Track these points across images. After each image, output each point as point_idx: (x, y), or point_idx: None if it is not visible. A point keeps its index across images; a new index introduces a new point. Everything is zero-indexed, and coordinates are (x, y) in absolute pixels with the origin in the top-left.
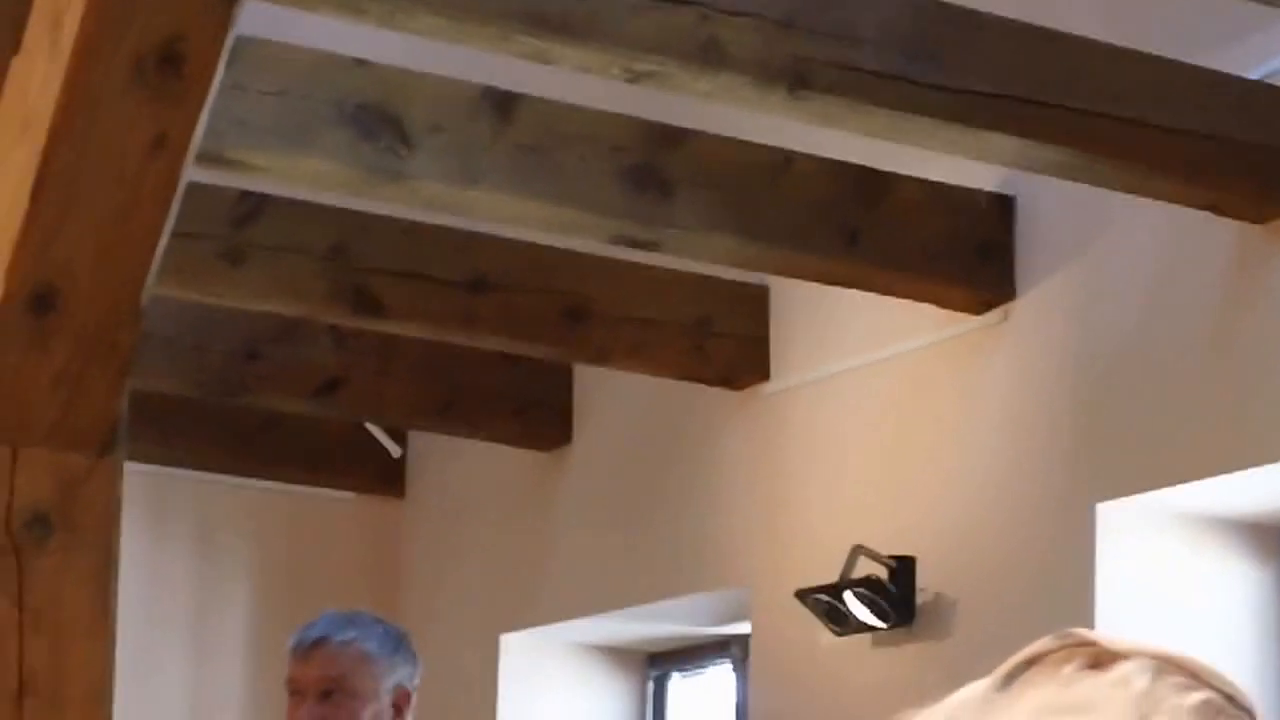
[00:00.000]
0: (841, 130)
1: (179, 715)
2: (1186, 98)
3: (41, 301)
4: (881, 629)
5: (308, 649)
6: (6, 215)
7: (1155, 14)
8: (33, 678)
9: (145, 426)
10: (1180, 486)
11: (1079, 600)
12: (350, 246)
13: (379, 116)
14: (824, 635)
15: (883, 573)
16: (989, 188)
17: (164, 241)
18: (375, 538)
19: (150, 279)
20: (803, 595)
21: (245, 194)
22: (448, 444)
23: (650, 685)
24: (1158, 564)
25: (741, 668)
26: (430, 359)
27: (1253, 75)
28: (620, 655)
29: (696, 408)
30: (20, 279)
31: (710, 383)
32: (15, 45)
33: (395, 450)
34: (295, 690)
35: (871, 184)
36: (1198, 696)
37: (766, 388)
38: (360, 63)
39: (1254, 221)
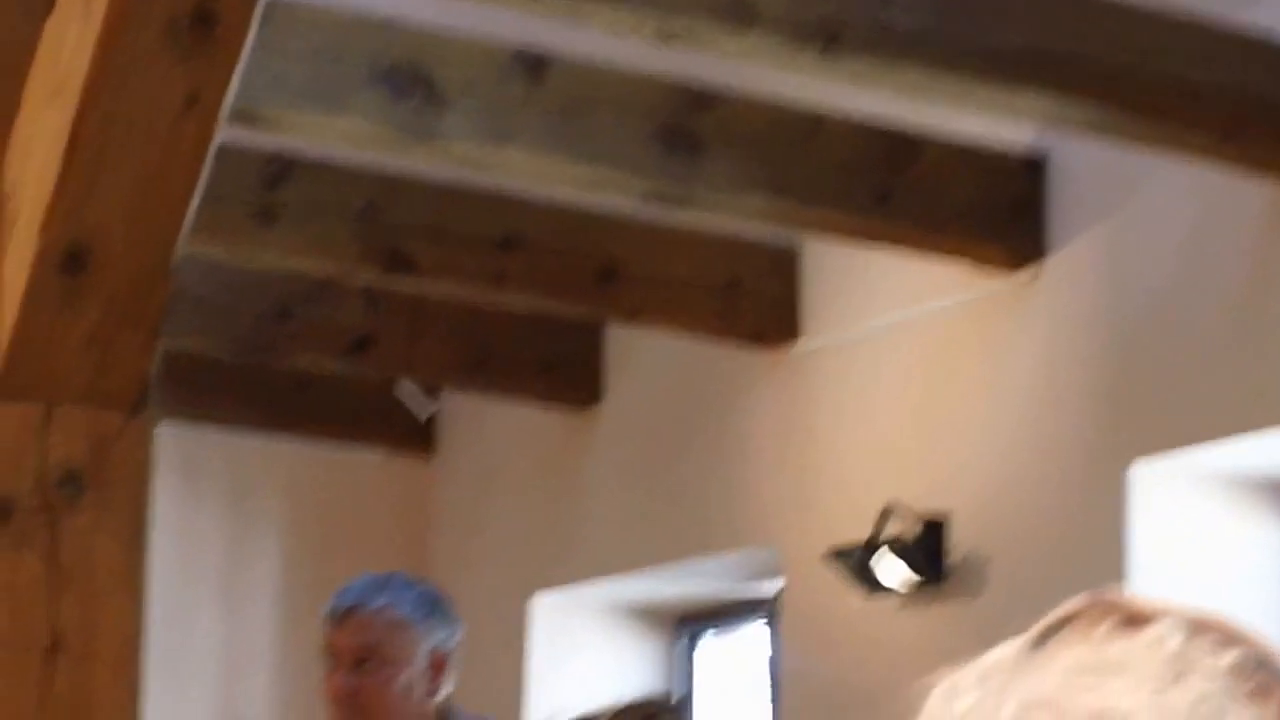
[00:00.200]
0: (873, 90)
1: (210, 673)
2: (1219, 56)
3: (74, 262)
4: (913, 588)
5: (341, 617)
6: (39, 176)
7: None
8: (64, 635)
9: (177, 386)
10: (1213, 445)
11: (1111, 559)
12: (381, 206)
13: (411, 77)
14: (855, 595)
15: (914, 532)
16: (1020, 147)
17: (195, 202)
18: (405, 497)
19: (182, 239)
20: (834, 554)
21: (277, 154)
22: (478, 403)
23: (681, 645)
24: (1190, 523)
25: (773, 627)
26: (461, 318)
27: None
28: (651, 615)
29: (727, 367)
30: (53, 239)
31: (741, 342)
32: (48, 7)
33: (426, 410)
34: (330, 657)
35: (903, 143)
36: (1231, 656)
37: (797, 347)
38: (392, 23)
39: None
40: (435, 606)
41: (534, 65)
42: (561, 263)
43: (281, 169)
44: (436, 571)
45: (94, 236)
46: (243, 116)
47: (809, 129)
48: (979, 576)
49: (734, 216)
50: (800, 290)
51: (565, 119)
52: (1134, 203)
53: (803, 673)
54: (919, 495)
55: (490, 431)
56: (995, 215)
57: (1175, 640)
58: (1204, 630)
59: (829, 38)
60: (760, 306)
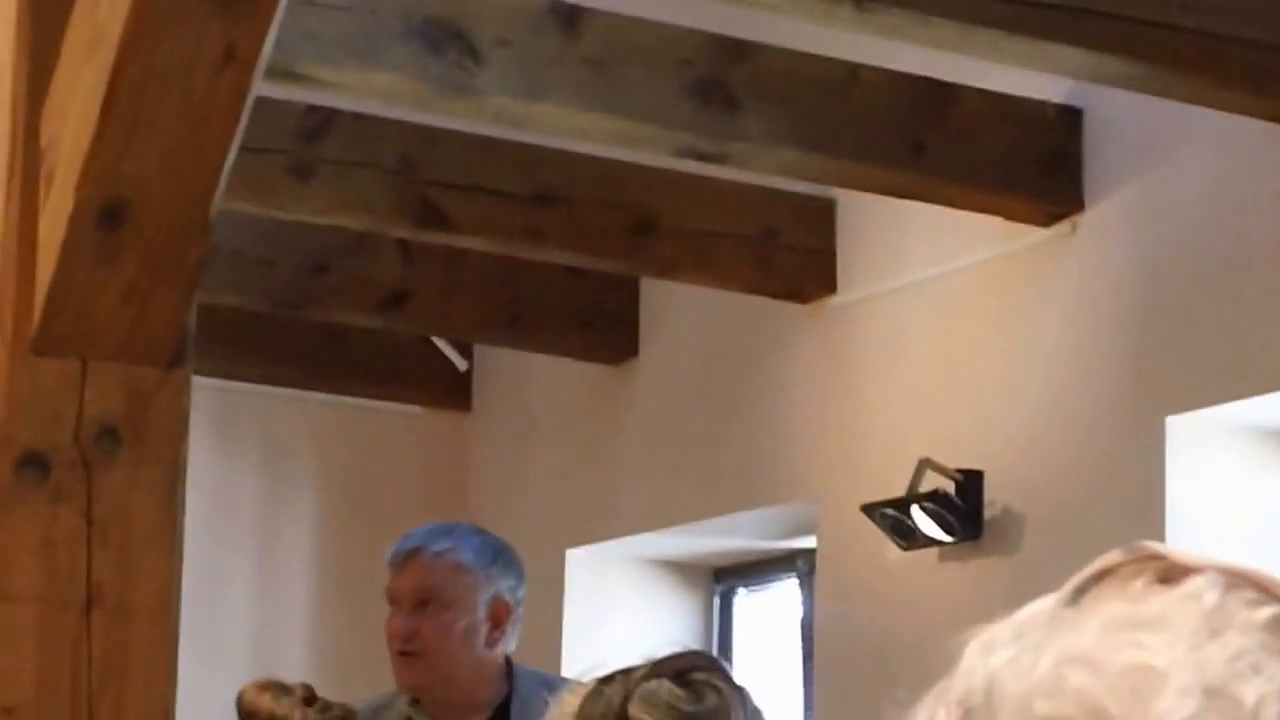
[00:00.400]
0: (908, 42)
1: (245, 627)
2: (1255, 9)
3: (110, 216)
4: (948, 543)
5: (403, 559)
6: (76, 131)
7: None
8: (100, 590)
9: (213, 340)
10: (1250, 400)
11: (1148, 514)
12: (417, 160)
13: (446, 31)
14: (890, 550)
15: (950, 486)
16: (1056, 99)
17: (232, 156)
18: (441, 452)
19: (218, 193)
20: (869, 509)
21: (313, 108)
22: (514, 357)
23: (716, 600)
24: (1226, 477)
25: (808, 582)
26: (497, 273)
27: None
28: (686, 570)
29: (763, 321)
30: (89, 194)
31: (777, 296)
32: None
33: (461, 364)
34: (391, 601)
35: (938, 96)
36: (1269, 611)
37: (833, 300)
38: None
39: None
40: (499, 556)
41: (569, 19)
42: (597, 217)
43: (318, 124)
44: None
45: (131, 191)
46: (279, 72)
47: (844, 82)
48: (1015, 531)
49: (769, 171)
50: (836, 243)
51: (600, 73)
52: (1171, 156)
53: (838, 627)
54: (955, 449)
55: (526, 386)
56: (1031, 168)
57: (1212, 595)
58: (1241, 584)
59: None
60: (796, 260)
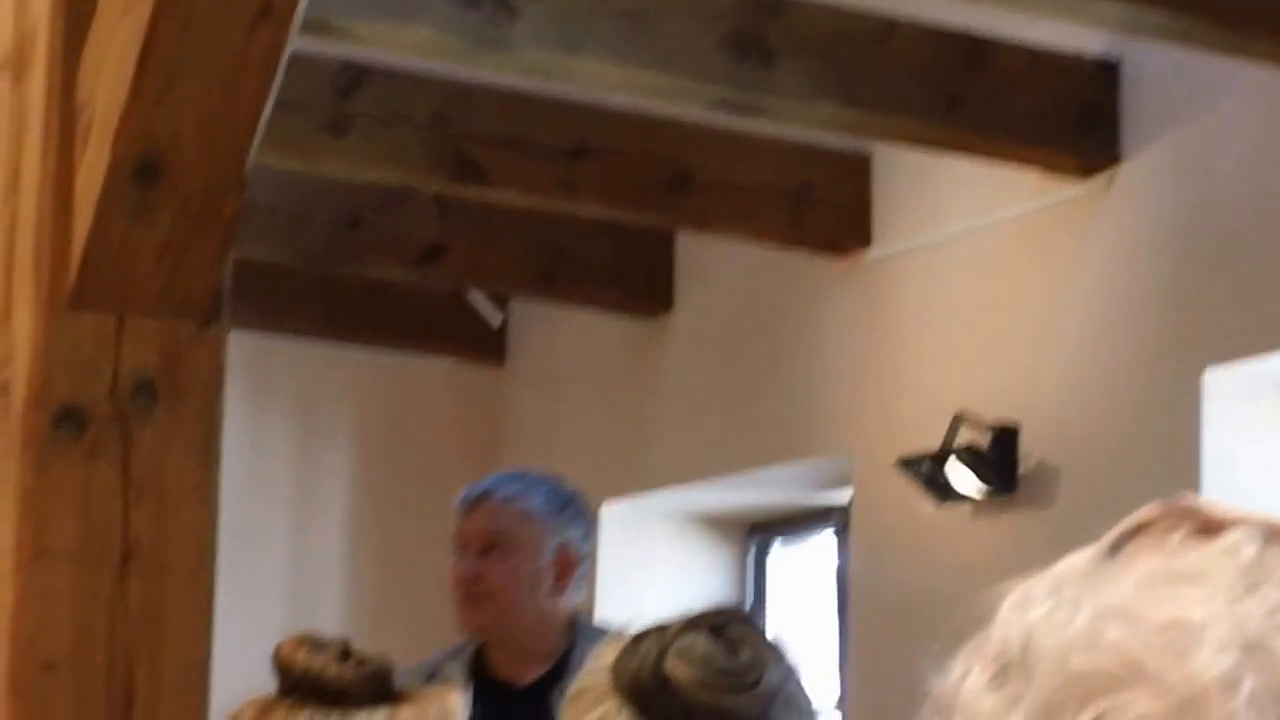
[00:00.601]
0: None
1: (280, 582)
2: None
3: (146, 172)
4: (983, 497)
5: (471, 504)
6: (112, 87)
7: None
8: (137, 545)
9: (248, 296)
10: None
11: (1185, 467)
12: (452, 115)
13: None
14: (925, 504)
15: (985, 440)
16: (1093, 52)
17: (268, 112)
18: (475, 406)
19: (254, 149)
20: (904, 463)
21: (348, 64)
22: (548, 311)
23: (751, 554)
24: (1265, 430)
25: (842, 536)
26: (532, 227)
27: None
28: (721, 524)
29: (798, 275)
30: (125, 150)
31: (812, 250)
32: None
33: (496, 319)
34: (458, 545)
35: (975, 50)
36: None
37: (868, 255)
38: None
39: None
40: (569, 505)
41: None
42: (632, 171)
43: (353, 79)
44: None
45: (167, 147)
46: (315, 26)
47: (880, 35)
48: (1050, 485)
49: (805, 125)
50: (872, 197)
51: (635, 26)
52: (1208, 109)
53: (872, 581)
54: (990, 403)
55: (560, 340)
56: (1068, 121)
57: (1250, 549)
58: None
59: None
60: (831, 213)
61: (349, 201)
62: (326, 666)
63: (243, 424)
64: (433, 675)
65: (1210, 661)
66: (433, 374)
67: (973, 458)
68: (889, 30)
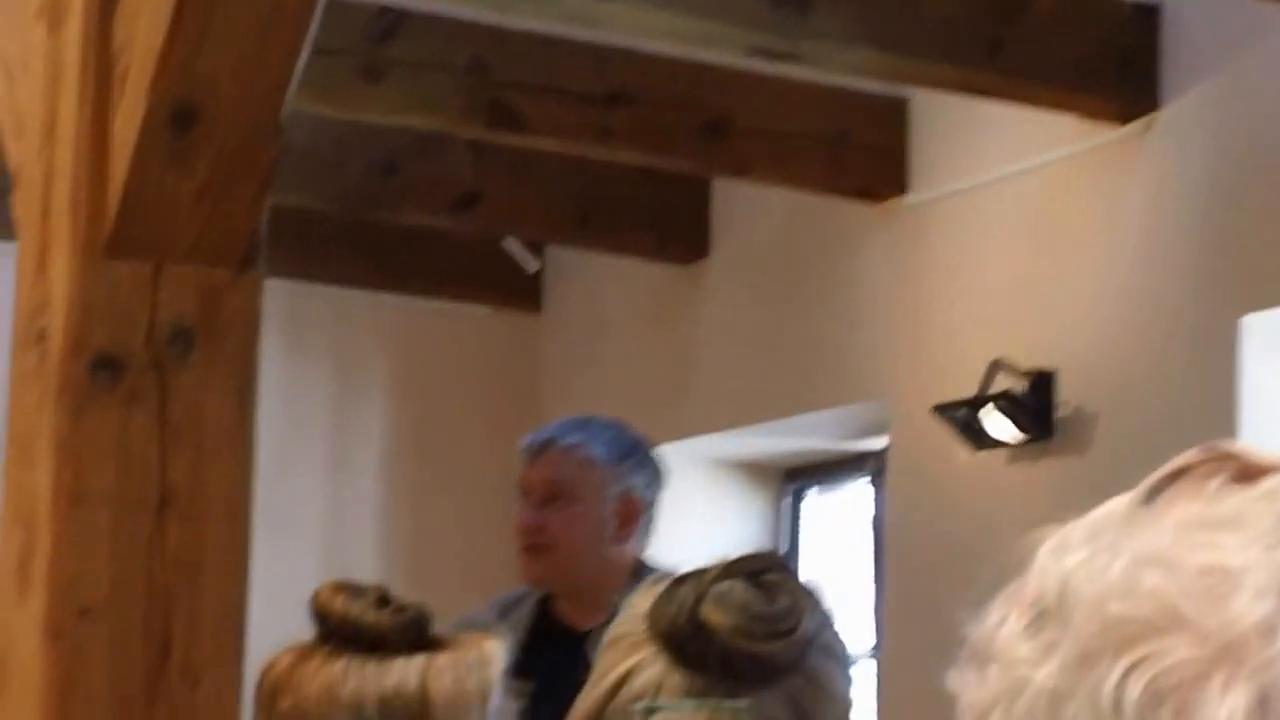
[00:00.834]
0: None
1: (317, 528)
2: None
3: (183, 118)
4: (1020, 444)
5: (534, 452)
6: (148, 33)
7: None
8: (173, 491)
9: (284, 242)
10: None
11: (1222, 413)
12: (489, 61)
13: None
14: (962, 450)
15: (1022, 387)
16: None
17: (304, 58)
18: (511, 352)
19: (290, 95)
20: (941, 410)
21: (384, 9)
22: (584, 258)
23: (787, 501)
24: None
25: (879, 483)
26: (568, 173)
27: None
28: (757, 470)
29: (835, 221)
30: (161, 96)
31: (849, 195)
32: None
33: (531, 265)
34: (521, 493)
35: None
36: None
37: (905, 200)
38: None
39: None
40: (633, 452)
41: None
42: (668, 117)
43: (389, 24)
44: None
45: (203, 93)
46: None
47: None
48: (1087, 431)
49: (841, 70)
50: (909, 143)
51: None
52: (1248, 55)
53: (909, 528)
54: (1027, 349)
55: (597, 286)
56: (1107, 66)
57: None
58: None
59: None
60: (868, 159)
61: (385, 147)
62: (364, 613)
63: (279, 371)
64: (504, 616)
65: (1248, 607)
66: (468, 321)
67: (1009, 404)
68: None
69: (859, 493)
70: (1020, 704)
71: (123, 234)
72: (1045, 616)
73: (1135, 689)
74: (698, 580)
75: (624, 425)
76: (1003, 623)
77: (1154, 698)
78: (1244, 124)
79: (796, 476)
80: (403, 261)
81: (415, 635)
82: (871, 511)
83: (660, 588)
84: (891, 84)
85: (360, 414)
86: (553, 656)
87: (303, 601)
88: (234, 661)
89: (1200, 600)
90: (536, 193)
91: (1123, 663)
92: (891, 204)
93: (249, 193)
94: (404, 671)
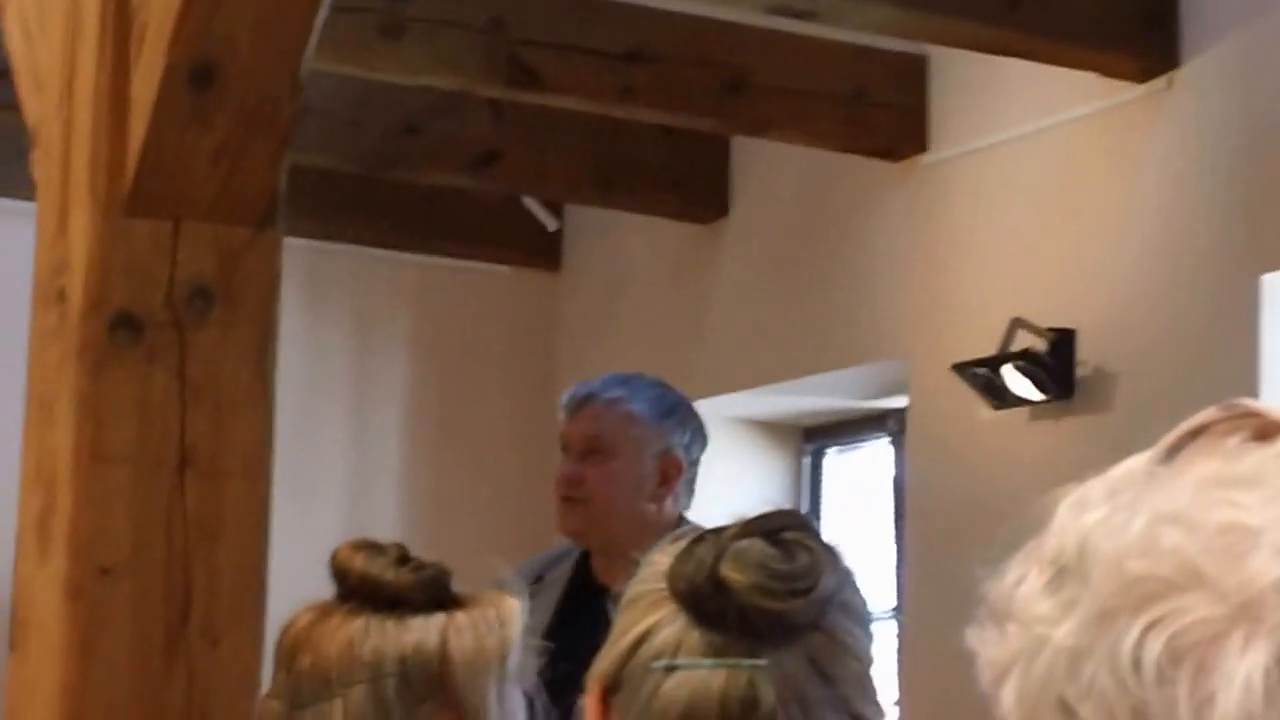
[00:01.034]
0: None
1: (337, 487)
2: None
3: (201, 76)
4: (1040, 402)
5: (576, 406)
6: None
7: None
8: (193, 450)
9: (304, 201)
10: None
11: (1243, 372)
12: (508, 19)
13: None
14: (982, 409)
15: (1042, 345)
16: None
17: (323, 16)
18: (531, 311)
19: (309, 53)
20: (960, 368)
21: None
22: (604, 217)
23: (807, 459)
24: None
25: (898, 442)
26: (587, 132)
27: None
28: (777, 430)
29: (854, 179)
30: (180, 55)
31: (868, 154)
32: None
33: (551, 224)
34: (562, 447)
35: None
36: None
37: (925, 158)
38: None
39: None
40: (674, 410)
41: None
42: (688, 75)
43: None
44: (562, 385)
45: (221, 51)
46: None
47: None
48: (1107, 390)
49: (861, 28)
50: (929, 101)
51: None
52: (1268, 13)
53: (929, 487)
54: (1047, 308)
55: (616, 245)
56: (1127, 24)
57: None
58: None
59: None
60: (887, 117)
61: (404, 106)
62: (384, 571)
63: (299, 330)
64: (540, 577)
65: (1267, 566)
66: (487, 280)
67: (1030, 363)
68: None
69: (879, 452)
70: (1039, 662)
71: (142, 193)
72: (1064, 574)
73: (1154, 647)
74: (716, 538)
75: (667, 384)
76: (1022, 581)
77: (1173, 655)
78: (1265, 81)
79: (816, 436)
80: (422, 221)
81: (435, 593)
82: (891, 470)
83: (679, 546)
84: (911, 42)
85: (381, 372)
86: (589, 614)
87: (324, 561)
88: (254, 620)
89: (1219, 558)
90: (556, 152)
91: (1142, 621)
92: (911, 162)
93: (268, 151)
94: (424, 629)
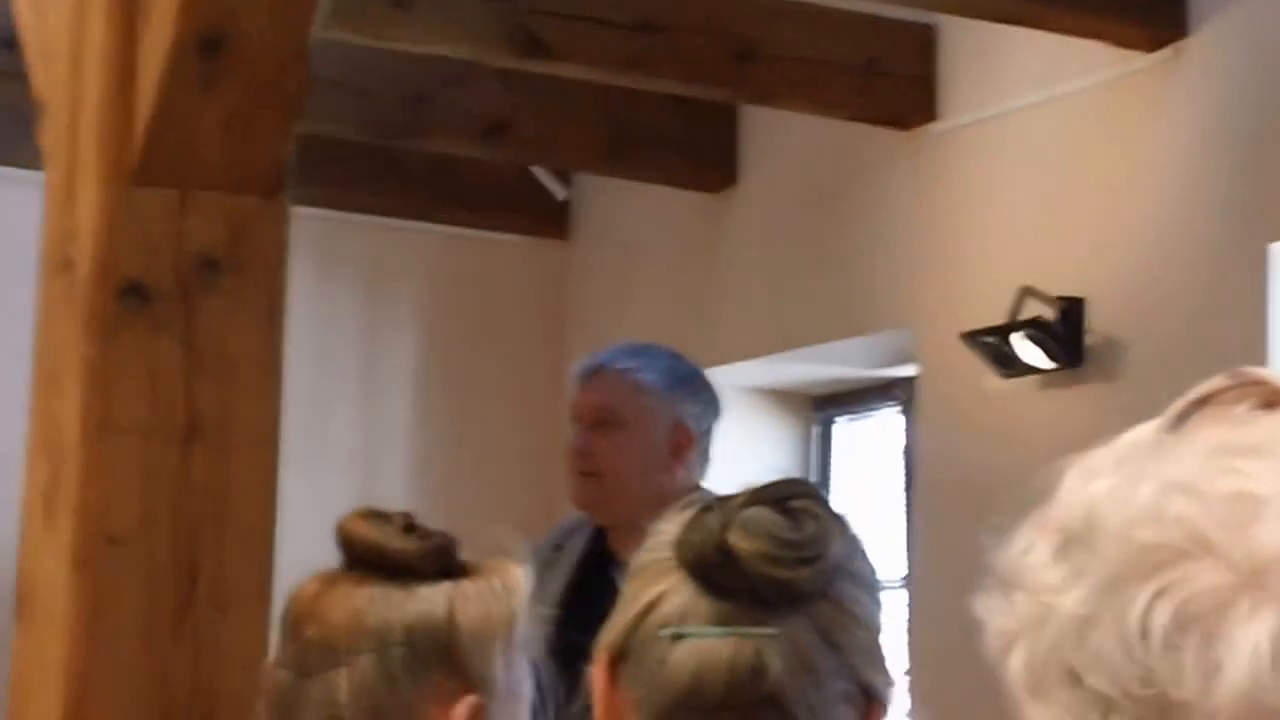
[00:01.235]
0: None
1: (347, 458)
2: None
3: (210, 45)
4: (1049, 371)
5: (585, 376)
6: None
7: None
8: (201, 419)
9: (315, 171)
10: None
11: (1252, 340)
12: None
13: None
14: (991, 377)
15: (1051, 314)
16: None
17: None
18: (541, 280)
19: (318, 22)
20: (969, 337)
21: None
22: (613, 186)
23: (816, 429)
24: None
25: (908, 411)
26: (598, 101)
27: None
28: (787, 398)
29: (864, 148)
30: (189, 24)
31: (877, 123)
32: None
33: (561, 193)
34: (573, 418)
35: None
36: None
37: (934, 127)
38: None
39: None
40: (687, 381)
41: None
42: (698, 44)
43: None
44: (573, 354)
45: (230, 20)
46: None
47: None
48: (1116, 358)
49: None
50: (938, 70)
51: None
52: None
53: (938, 455)
54: (1056, 276)
55: (626, 214)
56: None
57: None
58: None
59: None
60: (897, 86)
61: (415, 76)
62: (390, 540)
63: (310, 299)
64: (559, 546)
65: (1275, 534)
66: (497, 249)
67: (1039, 331)
68: None
69: (888, 421)
70: (1047, 630)
71: (150, 162)
72: (1072, 543)
73: (1162, 615)
74: (724, 507)
75: (680, 355)
76: (1029, 550)
77: (1181, 623)
78: (1272, 50)
79: (826, 404)
80: (432, 190)
81: (441, 562)
82: (901, 439)
83: (687, 515)
84: (921, 10)
85: (391, 342)
86: (604, 586)
87: (331, 529)
88: (262, 590)
89: (1226, 527)
90: (566, 121)
91: (1149, 589)
92: (920, 131)
93: (276, 121)
94: (431, 598)
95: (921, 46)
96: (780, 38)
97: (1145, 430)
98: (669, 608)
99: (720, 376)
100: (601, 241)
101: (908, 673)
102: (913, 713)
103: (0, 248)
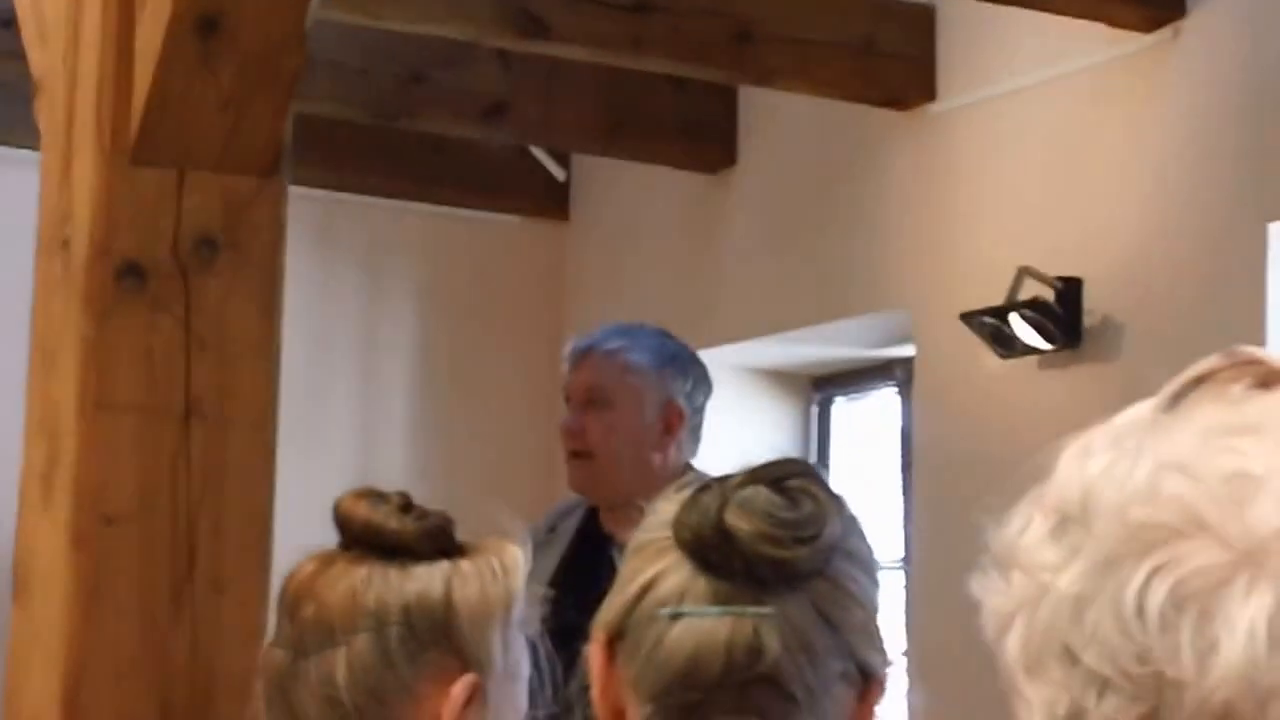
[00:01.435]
0: None
1: (345, 438)
2: None
3: (208, 24)
4: (1047, 351)
5: (576, 357)
6: None
7: None
8: (199, 400)
9: (313, 151)
10: None
11: (1250, 320)
12: None
13: None
14: (989, 358)
15: (1049, 294)
16: None
17: None
18: (540, 261)
19: (315, 2)
20: (968, 317)
21: None
22: (612, 166)
23: (815, 409)
24: None
25: (906, 391)
26: (596, 82)
27: None
28: (785, 379)
29: (862, 128)
30: (186, 3)
31: (876, 103)
32: None
33: (560, 173)
34: (565, 399)
35: None
36: None
37: (933, 108)
38: None
39: None
40: (675, 359)
41: None
42: (697, 25)
43: None
44: (571, 334)
45: (227, 1)
46: None
47: None
48: (1115, 339)
49: None
50: (936, 50)
51: None
52: None
53: (936, 436)
54: (1055, 257)
55: (624, 195)
56: None
57: None
58: None
59: None
60: (896, 66)
61: (413, 56)
62: (387, 519)
63: (308, 280)
64: (553, 527)
65: (1270, 513)
66: (496, 230)
67: (1037, 312)
68: None
69: (886, 401)
70: (1043, 609)
71: (147, 141)
72: (1068, 522)
73: (1158, 593)
74: (722, 487)
75: (668, 334)
76: (1025, 529)
77: (1177, 602)
78: (1270, 31)
79: (824, 385)
80: (431, 170)
81: (438, 542)
82: (899, 420)
83: (685, 494)
84: None
85: (389, 322)
86: (597, 565)
87: (329, 509)
88: (260, 570)
89: (1222, 506)
90: (565, 102)
91: (1145, 568)
92: (919, 111)
93: (273, 100)
94: (428, 578)
95: (920, 27)
96: (779, 18)
97: (1141, 410)
98: (666, 587)
99: (719, 356)
100: (600, 222)
101: (905, 652)
102: (910, 692)
103: None
